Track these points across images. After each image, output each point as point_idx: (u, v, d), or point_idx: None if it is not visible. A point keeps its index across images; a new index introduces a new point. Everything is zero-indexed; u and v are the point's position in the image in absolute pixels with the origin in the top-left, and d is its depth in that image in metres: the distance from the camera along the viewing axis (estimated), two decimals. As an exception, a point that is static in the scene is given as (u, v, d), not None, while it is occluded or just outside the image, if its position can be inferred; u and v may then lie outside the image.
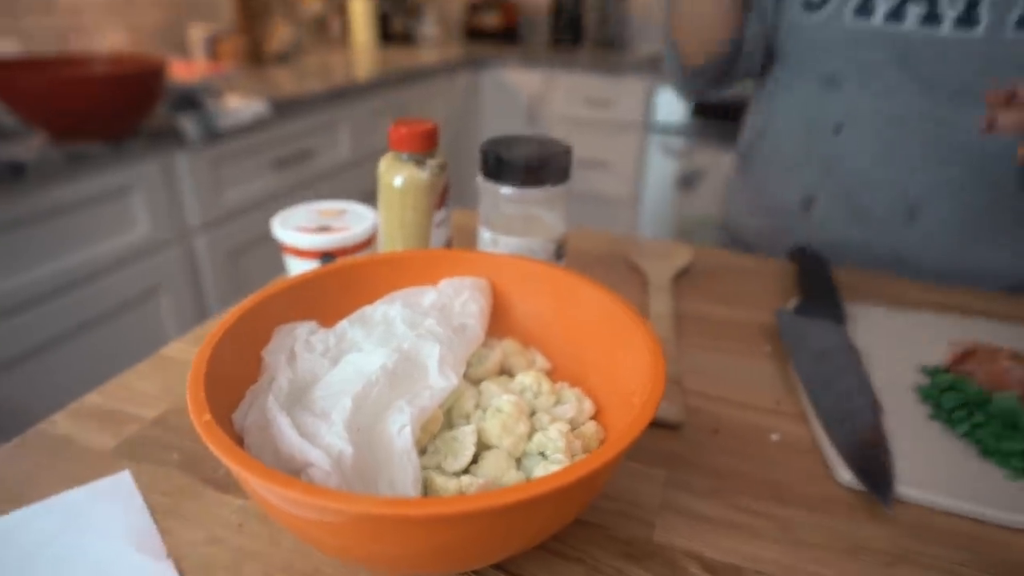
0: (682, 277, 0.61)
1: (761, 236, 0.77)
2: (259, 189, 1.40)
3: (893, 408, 0.41)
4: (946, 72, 0.60)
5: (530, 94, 2.32)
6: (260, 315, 0.34)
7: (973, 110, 0.59)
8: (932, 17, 0.59)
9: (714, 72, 0.73)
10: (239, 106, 1.29)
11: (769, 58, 0.74)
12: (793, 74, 0.71)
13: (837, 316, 0.50)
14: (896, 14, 0.61)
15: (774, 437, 0.40)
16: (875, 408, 0.41)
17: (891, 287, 0.61)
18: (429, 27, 2.61)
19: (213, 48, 1.81)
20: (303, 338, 0.34)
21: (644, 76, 2.15)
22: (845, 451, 0.37)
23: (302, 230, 0.47)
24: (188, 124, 1.16)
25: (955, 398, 0.41)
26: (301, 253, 0.47)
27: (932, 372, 0.45)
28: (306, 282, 0.36)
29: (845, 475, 0.36)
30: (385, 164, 0.44)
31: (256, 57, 1.85)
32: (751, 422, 0.41)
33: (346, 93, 1.62)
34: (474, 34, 2.66)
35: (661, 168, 2.22)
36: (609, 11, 2.47)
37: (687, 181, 2.01)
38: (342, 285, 0.38)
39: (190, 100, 1.24)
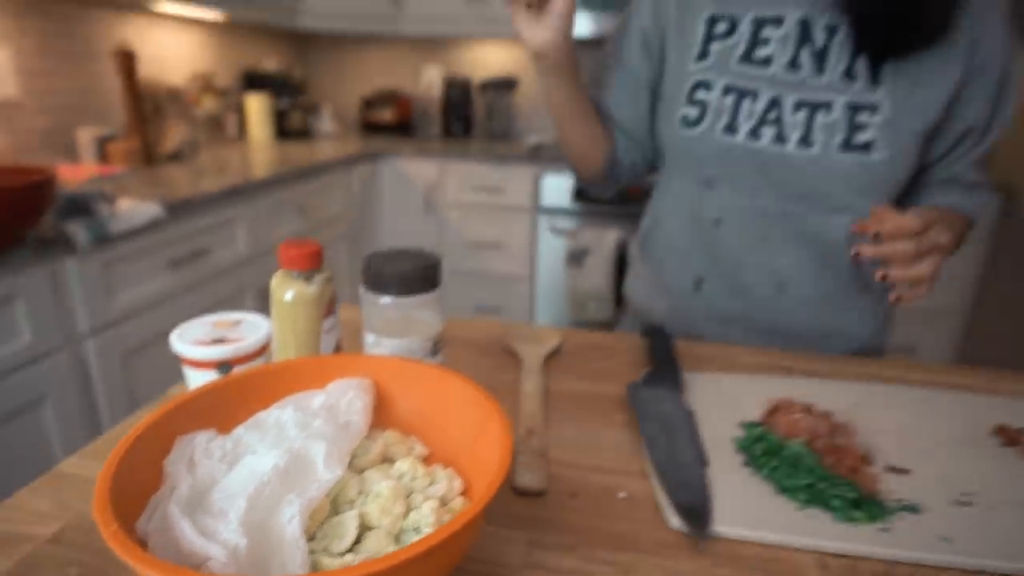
0: (553, 357, 0.69)
1: (663, 315, 0.88)
2: (153, 290, 1.39)
3: (715, 459, 0.50)
4: (793, 179, 0.74)
5: (426, 183, 2.44)
6: (161, 429, 0.38)
7: (817, 208, 0.75)
8: (781, 138, 0.73)
9: (603, 178, 0.90)
10: (133, 209, 1.29)
11: (655, 161, 0.89)
12: (678, 176, 0.84)
13: (676, 384, 0.60)
14: (754, 134, 0.74)
15: (622, 495, 0.47)
16: (700, 462, 0.49)
17: (725, 354, 0.71)
18: (326, 123, 2.71)
19: (103, 150, 1.80)
20: (202, 446, 0.38)
21: (530, 164, 2.33)
22: (673, 501, 0.44)
23: (199, 343, 0.51)
24: (78, 231, 1.16)
25: (760, 447, 0.50)
26: (198, 364, 0.51)
27: (747, 426, 0.54)
28: (204, 394, 0.41)
29: (674, 521, 0.43)
30: (276, 281, 0.50)
31: (148, 158, 1.86)
32: (604, 483, 0.48)
33: (243, 191, 1.65)
34: (370, 128, 2.78)
35: (551, 247, 2.37)
36: (496, 105, 2.68)
37: (575, 258, 2.17)
38: (238, 394, 0.42)
39: (80, 206, 1.24)
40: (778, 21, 0.74)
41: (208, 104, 2.28)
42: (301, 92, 2.60)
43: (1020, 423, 0.56)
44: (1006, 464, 0.52)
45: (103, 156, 1.81)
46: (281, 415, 0.41)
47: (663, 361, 0.64)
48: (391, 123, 2.74)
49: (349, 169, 2.26)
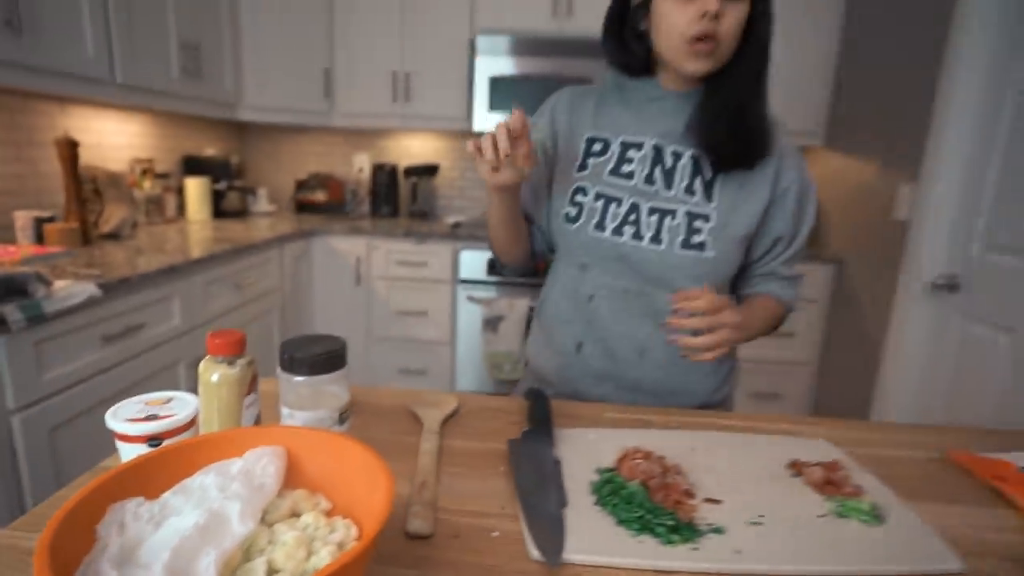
0: (451, 419, 0.76)
1: (553, 372, 0.96)
2: (85, 365, 1.35)
3: (574, 499, 0.57)
4: (647, 267, 0.86)
5: (355, 258, 2.49)
6: (94, 499, 0.41)
7: (665, 290, 0.85)
8: (637, 235, 0.85)
9: (522, 263, 0.99)
10: (70, 289, 1.27)
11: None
12: (562, 260, 0.94)
13: (548, 439, 0.67)
14: (618, 231, 0.86)
15: (495, 534, 0.53)
16: (560, 503, 0.56)
17: (594, 411, 0.80)
18: (262, 203, 2.72)
19: (40, 231, 1.75)
20: (132, 511, 0.42)
21: (450, 241, 2.43)
22: (533, 535, 0.51)
23: (131, 420, 0.54)
24: (13, 312, 1.13)
25: (608, 488, 0.58)
26: (130, 439, 0.54)
27: (602, 472, 0.62)
28: (134, 467, 0.45)
29: (534, 552, 0.50)
30: (204, 365, 0.54)
31: (85, 238, 1.82)
32: (482, 525, 0.54)
33: (180, 269, 1.64)
34: (304, 207, 2.81)
35: (469, 314, 2.45)
36: (419, 188, 2.79)
37: (490, 324, 2.25)
38: (165, 465, 0.46)
39: (16, 287, 1.21)
40: (639, 145, 0.87)
41: (148, 187, 2.26)
42: (239, 175, 2.62)
43: (807, 458, 0.67)
44: (792, 490, 0.62)
45: (40, 237, 1.76)
46: (204, 480, 0.45)
47: (540, 420, 0.71)
48: (323, 203, 2.79)
49: (283, 246, 2.28)
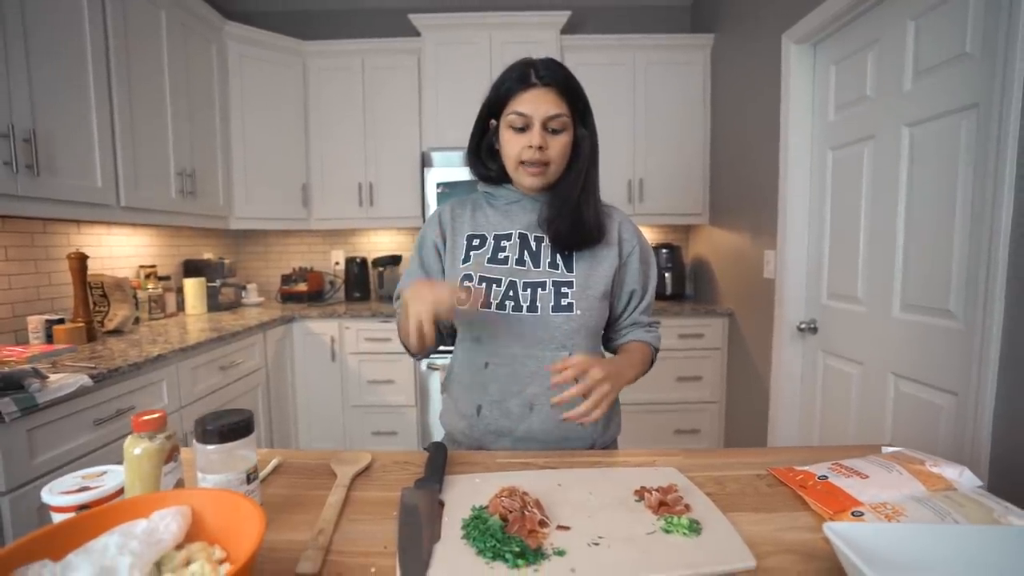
0: (364, 473, 0.76)
1: (460, 433, 0.97)
2: (77, 446, 1.31)
3: (446, 535, 0.58)
4: (529, 332, 0.89)
5: (330, 337, 2.49)
6: (6, 564, 0.42)
7: (548, 349, 0.89)
8: (517, 307, 0.89)
9: (431, 351, 0.96)
10: (62, 382, 1.25)
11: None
12: (460, 336, 0.97)
13: (436, 484, 0.68)
14: (501, 306, 0.90)
15: (373, 570, 0.54)
16: (432, 539, 0.57)
17: (488, 458, 0.81)
18: (252, 296, 2.73)
19: (50, 331, 1.73)
20: (36, 571, 0.42)
21: (412, 318, 2.45)
22: (402, 568, 0.52)
23: (64, 493, 0.55)
24: (7, 406, 1.11)
25: (474, 524, 0.59)
26: (61, 510, 0.54)
27: (475, 510, 0.63)
28: (46, 533, 0.45)
29: (401, 582, 0.51)
30: (128, 441, 0.56)
31: (90, 335, 1.80)
32: (364, 563, 0.55)
33: (166, 357, 1.63)
34: (288, 297, 2.82)
35: (430, 380, 2.45)
36: (385, 275, 2.83)
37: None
38: (79, 531, 0.47)
39: (14, 383, 1.18)
40: (508, 236, 0.94)
41: (151, 287, 2.26)
42: (232, 274, 2.63)
43: (655, 484, 0.69)
44: (633, 513, 0.64)
45: (50, 337, 1.74)
46: (108, 540, 0.46)
47: (433, 468, 0.73)
48: (305, 292, 2.80)
49: (265, 331, 2.27)
